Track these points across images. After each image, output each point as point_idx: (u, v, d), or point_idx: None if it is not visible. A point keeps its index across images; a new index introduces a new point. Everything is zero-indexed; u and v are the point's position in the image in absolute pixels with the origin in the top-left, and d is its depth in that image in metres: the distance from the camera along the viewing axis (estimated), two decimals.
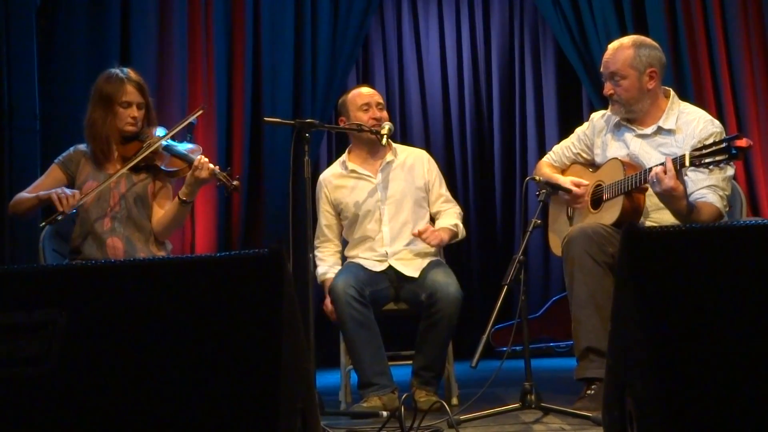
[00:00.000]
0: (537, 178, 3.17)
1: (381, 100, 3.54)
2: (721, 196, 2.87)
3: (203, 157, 2.98)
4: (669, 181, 2.68)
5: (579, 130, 3.33)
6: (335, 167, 3.63)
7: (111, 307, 1.58)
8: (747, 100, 4.58)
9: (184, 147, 3.09)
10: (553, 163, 3.37)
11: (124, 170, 2.99)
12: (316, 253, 3.53)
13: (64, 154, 3.12)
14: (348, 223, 3.53)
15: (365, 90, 3.57)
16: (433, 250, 3.50)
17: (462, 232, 3.51)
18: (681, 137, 2.99)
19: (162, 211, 3.08)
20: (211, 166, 2.96)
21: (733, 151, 2.54)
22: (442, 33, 5.84)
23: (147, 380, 1.51)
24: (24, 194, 3.02)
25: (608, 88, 3.05)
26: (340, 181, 3.55)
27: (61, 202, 2.84)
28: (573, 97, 5.57)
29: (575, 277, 2.87)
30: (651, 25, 4.64)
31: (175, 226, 3.12)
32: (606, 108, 3.26)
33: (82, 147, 3.13)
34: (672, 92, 3.10)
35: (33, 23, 4.33)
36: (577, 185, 3.15)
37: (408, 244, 3.43)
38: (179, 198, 3.00)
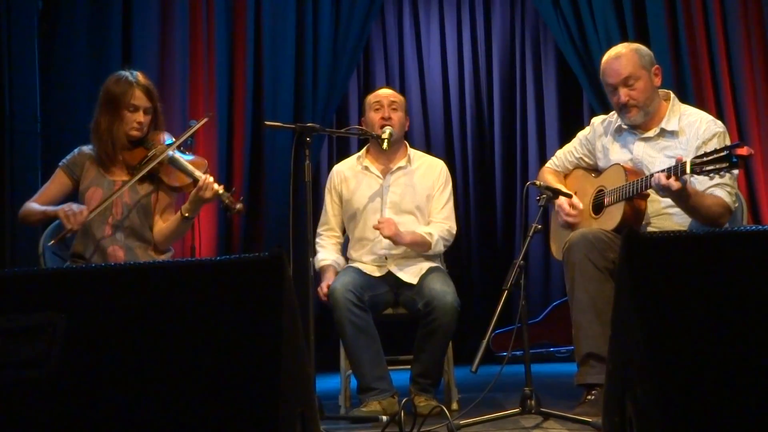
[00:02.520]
0: (538, 182, 3.17)
1: (395, 100, 3.53)
2: (729, 192, 2.89)
3: (209, 176, 2.95)
4: (674, 184, 2.68)
5: (581, 135, 3.33)
6: (351, 160, 3.67)
7: (111, 311, 1.58)
8: (748, 105, 4.58)
9: (188, 159, 3.06)
10: (556, 168, 3.37)
11: (129, 184, 2.97)
12: (318, 240, 3.57)
13: (68, 157, 3.11)
14: (348, 218, 3.55)
15: (382, 90, 3.61)
16: (432, 255, 3.50)
17: (437, 245, 3.43)
18: (685, 139, 3.00)
19: (164, 223, 3.07)
20: (216, 186, 2.93)
21: (734, 159, 2.54)
22: (443, 38, 5.85)
23: (147, 384, 1.51)
24: (32, 206, 3.02)
25: (624, 95, 3.01)
26: (350, 174, 3.58)
27: (68, 220, 2.84)
28: (574, 102, 5.58)
29: (576, 282, 2.87)
30: (652, 30, 4.65)
31: (176, 238, 3.13)
32: (607, 112, 3.26)
33: (86, 149, 3.11)
34: (672, 95, 3.12)
35: (34, 26, 4.34)
36: (573, 206, 3.13)
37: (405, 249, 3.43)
38: (182, 213, 2.99)
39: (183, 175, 3.02)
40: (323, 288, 3.38)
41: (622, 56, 3.05)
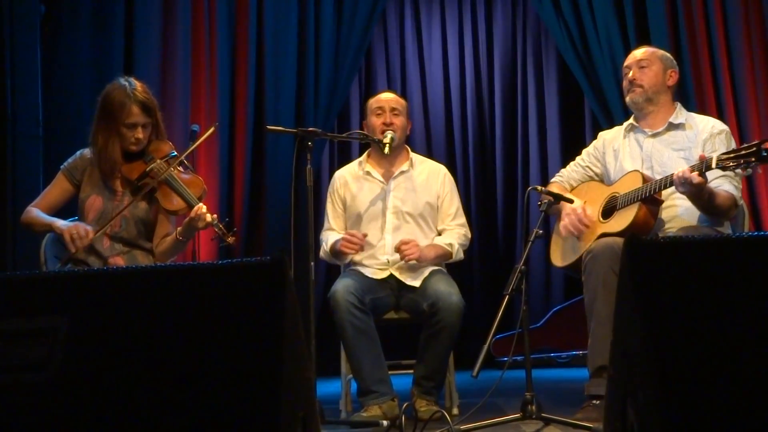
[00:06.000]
0: (539, 187, 3.17)
1: (397, 106, 3.52)
2: (735, 186, 2.96)
3: (202, 206, 2.93)
4: (696, 177, 2.73)
5: (587, 148, 3.43)
6: (352, 165, 3.66)
7: (113, 314, 1.58)
8: (749, 109, 4.59)
9: (186, 177, 3.04)
10: (561, 183, 3.38)
11: (127, 207, 2.96)
12: (321, 236, 3.55)
13: (70, 161, 3.10)
14: (351, 223, 3.54)
15: (384, 95, 3.60)
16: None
17: (458, 253, 3.47)
18: (692, 133, 3.10)
19: (161, 241, 3.07)
20: (209, 217, 2.91)
21: (764, 153, 2.57)
22: (445, 42, 5.84)
23: (148, 387, 1.51)
24: (36, 215, 3.01)
25: (633, 73, 3.19)
26: (352, 179, 3.57)
27: (74, 244, 2.84)
28: (575, 108, 5.58)
29: (598, 294, 2.85)
30: (654, 36, 4.65)
31: (174, 255, 3.13)
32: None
33: (88, 153, 3.09)
34: (679, 104, 3.25)
35: (37, 30, 4.35)
36: (585, 224, 3.11)
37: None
38: (176, 236, 3.00)
39: (179, 198, 2.99)
40: (348, 239, 3.35)
41: (646, 48, 3.30)
